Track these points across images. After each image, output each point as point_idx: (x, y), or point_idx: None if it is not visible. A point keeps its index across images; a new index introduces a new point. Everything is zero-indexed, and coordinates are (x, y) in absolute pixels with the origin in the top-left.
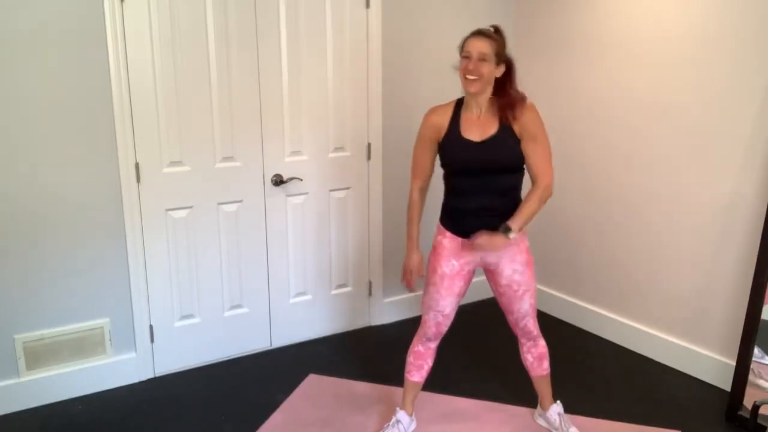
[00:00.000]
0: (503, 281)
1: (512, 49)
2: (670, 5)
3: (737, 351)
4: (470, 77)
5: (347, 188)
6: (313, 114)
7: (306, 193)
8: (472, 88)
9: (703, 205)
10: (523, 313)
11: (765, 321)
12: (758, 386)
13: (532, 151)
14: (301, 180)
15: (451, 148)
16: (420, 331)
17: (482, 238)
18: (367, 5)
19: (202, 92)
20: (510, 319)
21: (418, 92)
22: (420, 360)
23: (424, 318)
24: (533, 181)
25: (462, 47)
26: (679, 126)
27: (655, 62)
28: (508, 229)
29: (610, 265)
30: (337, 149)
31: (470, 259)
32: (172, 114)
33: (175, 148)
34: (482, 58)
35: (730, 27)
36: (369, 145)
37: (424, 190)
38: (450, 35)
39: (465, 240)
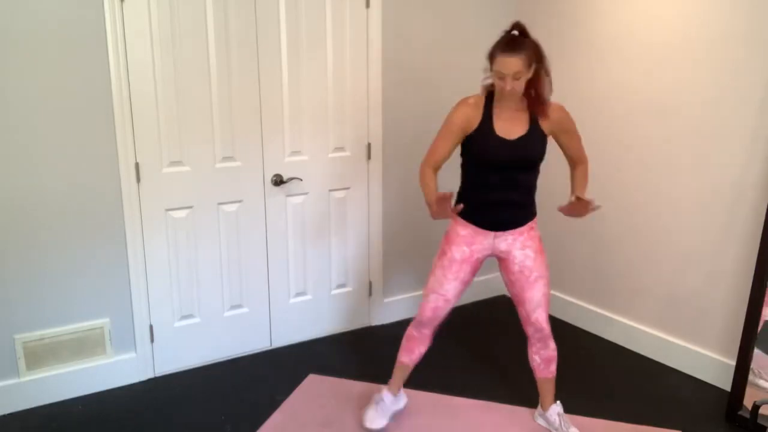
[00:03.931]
0: (515, 267)
1: None
2: (670, 5)
3: (737, 351)
4: (510, 93)
5: (347, 188)
6: (313, 114)
7: (306, 193)
8: (504, 99)
9: (703, 205)
10: (535, 303)
11: (765, 321)
12: (758, 386)
13: (570, 141)
14: (301, 180)
15: (484, 143)
16: (416, 315)
17: (576, 208)
18: (367, 5)
19: (202, 92)
20: (522, 312)
21: (418, 92)
22: (411, 344)
23: (423, 301)
24: (577, 162)
25: (491, 61)
26: (678, 126)
27: (655, 62)
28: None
29: (610, 265)
30: (337, 149)
31: (482, 247)
32: (172, 114)
33: (175, 148)
34: (516, 77)
35: (730, 27)
36: (369, 145)
37: (436, 172)
38: (450, 35)
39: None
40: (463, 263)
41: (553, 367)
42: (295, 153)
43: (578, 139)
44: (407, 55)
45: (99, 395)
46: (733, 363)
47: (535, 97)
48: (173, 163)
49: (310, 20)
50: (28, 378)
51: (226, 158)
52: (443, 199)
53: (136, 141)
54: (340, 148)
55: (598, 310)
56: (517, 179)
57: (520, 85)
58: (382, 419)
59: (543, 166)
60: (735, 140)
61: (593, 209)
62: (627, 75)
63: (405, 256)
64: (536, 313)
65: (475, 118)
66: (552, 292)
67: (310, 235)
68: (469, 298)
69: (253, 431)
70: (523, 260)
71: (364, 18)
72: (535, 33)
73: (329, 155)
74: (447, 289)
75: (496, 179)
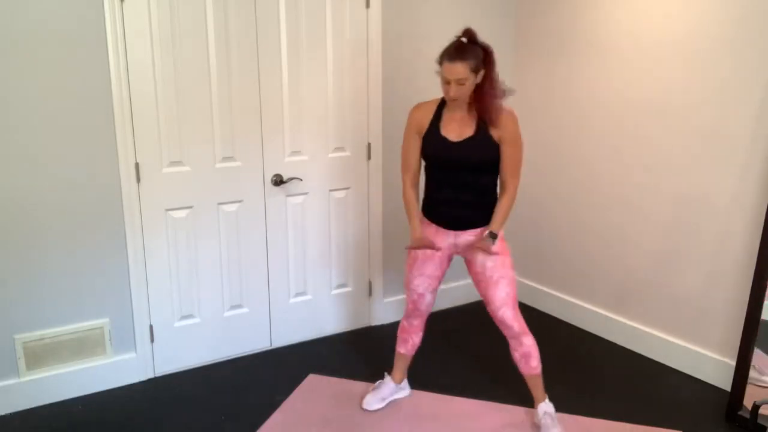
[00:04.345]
0: (477, 268)
1: (512, 50)
2: (670, 5)
3: (737, 351)
4: (453, 98)
5: (347, 188)
6: (313, 114)
7: (306, 193)
8: (454, 102)
9: (703, 205)
10: (499, 302)
11: (765, 321)
12: (759, 380)
13: (508, 156)
14: (301, 180)
15: (430, 144)
16: (405, 308)
17: (478, 248)
18: (367, 5)
19: (202, 92)
20: (489, 310)
21: (418, 92)
22: (404, 334)
23: (405, 296)
24: (502, 184)
25: (440, 64)
26: (679, 126)
27: (655, 62)
28: (494, 235)
29: (611, 266)
30: (337, 149)
31: (444, 245)
32: (172, 114)
33: (175, 148)
34: (461, 83)
35: (730, 27)
36: (369, 145)
37: (415, 186)
38: (450, 35)
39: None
40: (426, 261)
41: (534, 363)
42: (295, 153)
43: (517, 156)
44: (407, 55)
45: (99, 395)
46: (733, 363)
47: (481, 102)
48: (173, 163)
49: (310, 20)
50: (28, 378)
51: (226, 158)
52: (427, 245)
53: (136, 141)
54: (340, 148)
55: (599, 310)
56: (467, 180)
57: (465, 91)
58: (378, 403)
59: (535, 167)
60: (735, 140)
61: (485, 250)
62: (627, 75)
63: (405, 256)
64: (501, 312)
65: (425, 121)
66: (552, 292)
67: (310, 235)
68: (469, 299)
69: (253, 431)
70: (484, 261)
71: (364, 18)
72: (535, 33)
73: (329, 155)
74: (417, 285)
75: (447, 179)
